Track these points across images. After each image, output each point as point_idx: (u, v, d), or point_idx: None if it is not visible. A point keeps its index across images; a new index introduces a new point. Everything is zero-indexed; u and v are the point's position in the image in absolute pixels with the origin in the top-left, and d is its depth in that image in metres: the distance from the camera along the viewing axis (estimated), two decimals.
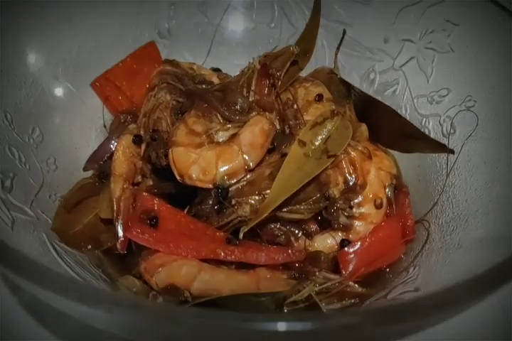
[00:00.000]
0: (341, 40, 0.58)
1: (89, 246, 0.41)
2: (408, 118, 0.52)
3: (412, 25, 0.52)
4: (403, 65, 0.53)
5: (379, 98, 0.57)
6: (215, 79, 0.57)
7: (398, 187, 0.46)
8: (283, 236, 0.41)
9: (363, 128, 0.47)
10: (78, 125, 0.54)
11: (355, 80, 0.59)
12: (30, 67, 0.52)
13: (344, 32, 0.58)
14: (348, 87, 0.51)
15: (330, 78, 0.53)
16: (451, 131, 0.45)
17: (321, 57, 0.60)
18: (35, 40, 0.53)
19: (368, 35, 0.57)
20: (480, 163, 0.41)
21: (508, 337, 0.50)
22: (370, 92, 0.57)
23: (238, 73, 0.50)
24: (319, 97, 0.48)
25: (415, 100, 0.51)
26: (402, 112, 0.52)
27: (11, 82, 0.49)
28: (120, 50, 0.60)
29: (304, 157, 0.41)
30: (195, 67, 0.60)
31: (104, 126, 0.54)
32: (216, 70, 0.60)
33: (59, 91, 0.54)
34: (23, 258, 0.30)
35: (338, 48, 0.58)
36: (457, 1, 0.49)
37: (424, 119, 0.49)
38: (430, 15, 0.51)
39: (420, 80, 0.51)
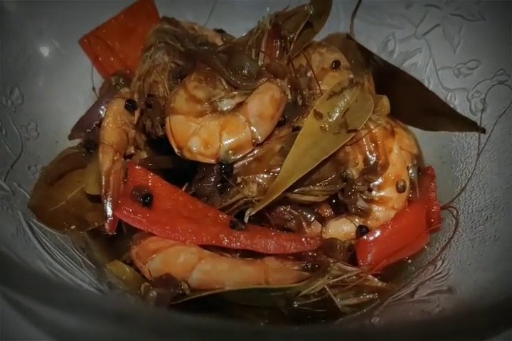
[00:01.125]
0: (358, 4, 0.47)
1: (73, 226, 0.33)
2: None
3: None
4: (427, 32, 0.44)
5: (401, 66, 0.48)
6: (219, 41, 0.47)
7: (422, 169, 0.38)
8: (294, 221, 0.33)
9: (385, 101, 0.38)
10: (64, 87, 0.44)
11: (372, 48, 0.49)
12: (11, 19, 0.41)
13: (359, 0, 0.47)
14: (367, 54, 0.41)
15: (346, 44, 0.43)
16: (482, 107, 0.36)
17: (335, 24, 0.50)
18: None
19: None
20: None
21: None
22: (390, 62, 0.48)
23: (249, 30, 0.40)
24: (336, 64, 0.38)
25: (439, 72, 0.42)
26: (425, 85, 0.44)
27: None
28: (114, 4, 0.48)
29: (321, 131, 0.33)
30: (196, 27, 0.49)
31: (93, 89, 0.44)
32: (220, 31, 0.49)
33: (43, 49, 0.44)
34: None
35: (354, 12, 0.48)
36: None
37: (450, 94, 0.41)
38: None
39: (446, 50, 0.42)
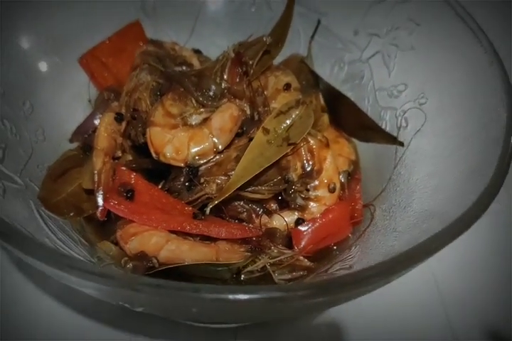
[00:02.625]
0: (315, 30, 0.54)
1: (72, 213, 0.40)
2: (370, 109, 0.50)
3: (380, 20, 0.49)
4: (369, 57, 0.50)
5: (347, 86, 0.54)
6: (195, 61, 0.53)
7: (352, 173, 0.45)
8: (245, 213, 0.40)
9: (325, 118, 0.46)
10: (66, 98, 0.51)
11: (326, 68, 0.56)
12: (21, 43, 0.48)
13: (319, 22, 0.54)
14: (316, 77, 0.47)
15: (301, 67, 0.50)
16: (404, 124, 0.43)
17: (297, 43, 0.56)
18: (25, 17, 0.48)
19: (340, 26, 0.52)
20: (423, 157, 0.40)
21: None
22: (339, 80, 0.54)
23: (217, 57, 0.46)
24: (287, 86, 0.45)
25: (377, 92, 0.49)
26: (365, 102, 0.50)
27: (3, 57, 0.45)
28: (107, 26, 0.55)
29: (267, 143, 0.40)
30: (177, 47, 0.55)
31: (89, 101, 0.51)
32: (197, 52, 0.56)
33: (48, 66, 0.50)
34: (12, 228, 0.28)
35: (312, 37, 0.54)
36: (421, 2, 0.45)
37: (383, 111, 0.47)
38: (396, 12, 0.47)
39: (383, 74, 0.48)
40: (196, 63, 0.53)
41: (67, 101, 0.51)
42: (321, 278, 0.34)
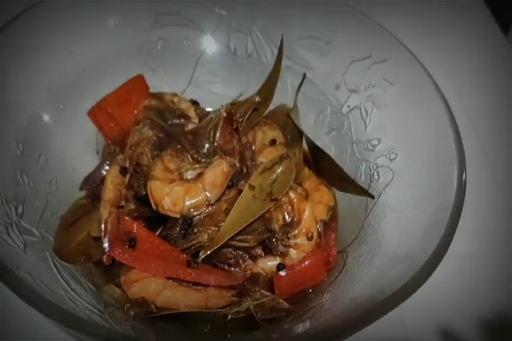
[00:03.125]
0: (301, 82, 0.58)
1: (82, 260, 0.45)
2: (348, 159, 0.54)
3: (358, 77, 0.53)
4: (349, 111, 0.54)
5: (330, 135, 0.59)
6: (192, 113, 0.58)
7: (329, 221, 0.49)
8: (233, 259, 0.45)
9: (305, 171, 0.50)
10: (76, 148, 0.56)
11: (311, 117, 0.60)
12: (33, 99, 0.51)
13: (304, 76, 0.58)
14: (300, 132, 0.52)
15: (286, 121, 0.54)
16: (376, 177, 0.47)
17: (285, 92, 0.60)
18: (34, 73, 0.52)
19: (323, 80, 0.57)
20: (390, 210, 0.44)
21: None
22: (323, 130, 0.59)
23: (210, 115, 0.51)
24: (273, 142, 0.50)
25: (354, 144, 0.53)
26: (345, 153, 0.54)
27: (19, 113, 0.50)
28: (114, 79, 0.59)
29: (252, 198, 0.45)
30: (176, 99, 0.60)
31: (98, 153, 0.56)
32: (194, 103, 0.61)
33: (60, 119, 0.54)
34: (35, 292, 0.32)
35: (298, 89, 0.58)
36: (396, 63, 0.49)
37: (359, 163, 0.51)
38: (373, 72, 0.51)
39: (360, 128, 0.52)
40: (193, 115, 0.58)
41: (77, 151, 0.56)
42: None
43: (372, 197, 0.46)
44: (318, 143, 0.57)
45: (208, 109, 0.64)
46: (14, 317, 0.48)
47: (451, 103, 0.45)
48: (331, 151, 0.57)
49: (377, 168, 0.47)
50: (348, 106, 0.54)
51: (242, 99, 0.56)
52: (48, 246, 0.45)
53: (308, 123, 0.59)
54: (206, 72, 0.63)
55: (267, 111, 0.54)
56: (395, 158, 0.47)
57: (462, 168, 0.36)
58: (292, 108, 0.58)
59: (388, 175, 0.46)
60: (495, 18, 0.93)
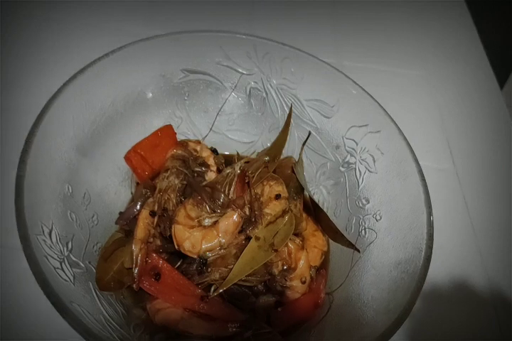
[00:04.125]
0: (306, 139, 0.66)
1: (116, 287, 0.54)
2: (341, 211, 0.62)
3: (355, 141, 0.60)
4: (346, 169, 0.61)
5: (328, 187, 0.66)
6: (211, 162, 0.66)
7: (320, 268, 0.57)
8: (239, 295, 0.53)
9: (304, 224, 0.58)
10: (113, 187, 0.64)
11: (313, 169, 0.68)
12: (78, 142, 0.57)
13: (309, 133, 0.65)
14: (301, 187, 0.59)
15: (291, 175, 0.61)
16: (363, 233, 0.54)
17: (293, 145, 0.68)
18: (82, 119, 0.57)
19: (326, 138, 0.64)
20: (370, 267, 0.51)
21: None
22: (322, 182, 0.67)
23: (226, 171, 0.59)
24: (278, 196, 0.58)
25: (348, 199, 0.60)
26: (340, 204, 0.62)
27: (67, 156, 0.54)
28: (148, 125, 0.68)
29: (257, 249, 0.53)
30: (198, 147, 0.68)
31: (132, 193, 0.65)
32: (214, 151, 0.69)
33: (100, 161, 0.61)
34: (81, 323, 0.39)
35: (303, 144, 0.66)
36: (388, 135, 0.56)
37: (351, 216, 0.59)
38: (368, 139, 0.58)
39: (354, 186, 0.59)
40: (212, 163, 0.66)
41: (114, 189, 0.64)
42: None
43: (358, 251, 0.54)
44: (318, 192, 0.65)
45: (225, 153, 0.73)
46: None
47: None
48: (329, 201, 0.65)
49: (365, 225, 0.55)
50: (345, 165, 0.62)
51: (254, 151, 0.65)
52: (90, 276, 0.52)
53: (311, 172, 0.67)
54: (225, 121, 0.71)
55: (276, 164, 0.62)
56: (380, 219, 0.54)
57: (430, 245, 0.43)
58: (297, 161, 0.65)
59: (373, 234, 0.54)
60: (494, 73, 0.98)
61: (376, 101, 0.56)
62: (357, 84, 0.57)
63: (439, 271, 0.66)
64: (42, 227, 0.45)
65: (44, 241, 0.44)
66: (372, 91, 0.58)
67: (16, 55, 0.87)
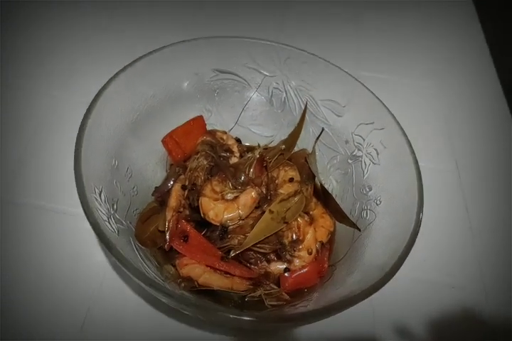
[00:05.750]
0: (319, 135, 0.74)
1: (152, 245, 0.63)
2: (348, 197, 0.69)
3: (362, 137, 0.68)
4: (353, 162, 0.69)
5: (336, 177, 0.74)
6: (235, 149, 0.75)
7: (327, 243, 0.65)
8: (253, 259, 0.62)
9: (312, 204, 0.66)
10: (151, 165, 0.73)
11: (324, 161, 0.75)
12: (125, 127, 0.67)
13: (322, 129, 0.74)
14: (313, 174, 0.68)
15: (303, 164, 0.70)
16: (364, 216, 0.62)
17: (307, 139, 0.77)
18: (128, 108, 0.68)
19: (337, 134, 0.72)
20: (369, 241, 0.59)
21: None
22: (332, 172, 0.75)
23: (247, 155, 0.69)
24: (291, 179, 0.66)
25: (354, 187, 0.68)
26: (345, 192, 0.70)
27: (116, 137, 0.64)
28: (182, 116, 0.77)
29: (271, 220, 0.61)
30: (224, 136, 0.78)
31: (166, 171, 0.75)
32: (238, 140, 0.78)
33: (141, 143, 0.70)
34: (126, 261, 0.47)
35: (317, 139, 0.75)
36: (390, 132, 0.64)
37: (355, 202, 0.66)
38: (374, 135, 0.66)
39: (359, 176, 0.67)
40: (236, 150, 0.75)
41: (152, 168, 0.73)
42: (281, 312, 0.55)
43: (359, 229, 0.62)
44: (328, 181, 0.73)
45: (247, 144, 0.82)
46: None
47: None
48: (337, 189, 0.73)
49: (367, 208, 0.63)
50: (353, 158, 0.69)
51: (273, 140, 0.74)
52: (130, 233, 0.58)
53: (322, 164, 0.75)
54: (249, 116, 0.80)
55: (291, 153, 0.71)
56: (380, 203, 0.62)
57: (418, 223, 0.51)
58: (311, 153, 0.74)
59: (372, 216, 0.62)
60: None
61: (381, 102, 0.64)
62: (365, 87, 0.66)
63: (437, 275, 0.72)
64: (94, 188, 0.54)
65: (96, 199, 0.53)
66: (379, 94, 0.67)
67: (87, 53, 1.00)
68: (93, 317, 0.61)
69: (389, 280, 0.47)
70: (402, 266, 0.48)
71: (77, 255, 0.69)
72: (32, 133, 0.88)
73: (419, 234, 0.51)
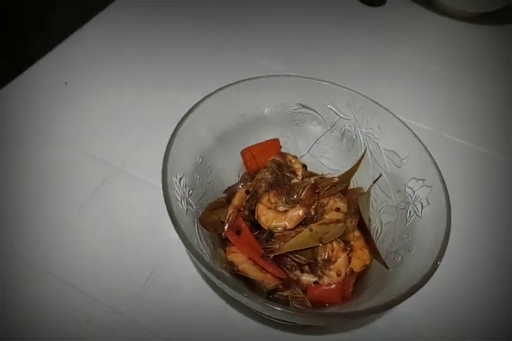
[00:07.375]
0: (377, 179, 0.82)
1: (212, 230, 0.76)
2: (387, 240, 0.76)
3: (412, 190, 0.74)
4: (400, 210, 0.75)
5: (382, 220, 0.81)
6: (299, 173, 0.87)
7: (360, 272, 0.72)
8: (289, 266, 0.71)
9: (351, 235, 0.75)
10: (228, 170, 0.87)
11: (376, 203, 0.82)
12: (211, 139, 0.83)
13: (380, 175, 0.82)
14: (360, 213, 0.77)
15: (354, 200, 0.79)
16: (396, 258, 0.68)
17: (366, 180, 0.86)
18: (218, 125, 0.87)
19: (392, 182, 0.79)
20: (389, 280, 0.65)
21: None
22: (380, 214, 0.81)
23: (303, 180, 0.81)
24: (338, 209, 0.76)
25: (395, 233, 0.74)
26: (387, 235, 0.76)
27: (204, 144, 0.75)
28: (261, 136, 0.91)
29: (309, 236, 0.70)
30: (293, 160, 0.90)
31: (239, 176, 0.89)
32: (304, 166, 0.90)
33: (223, 152, 0.83)
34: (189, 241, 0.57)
35: (373, 182, 0.83)
36: (437, 189, 0.70)
37: (392, 245, 0.72)
38: (422, 190, 0.72)
39: (402, 223, 0.73)
40: (299, 174, 0.87)
41: (229, 172, 0.87)
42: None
43: (388, 268, 0.68)
44: (377, 221, 0.80)
45: (312, 171, 0.93)
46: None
47: None
48: (381, 229, 0.79)
49: (400, 253, 0.69)
50: (401, 206, 0.75)
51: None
52: (197, 216, 0.66)
53: (374, 205, 0.82)
54: (320, 148, 0.91)
55: (346, 187, 0.81)
56: (412, 251, 0.68)
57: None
58: (365, 193, 0.83)
59: (401, 260, 0.67)
60: None
61: (434, 162, 0.71)
62: (423, 145, 0.73)
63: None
64: (176, 174, 0.60)
65: (175, 182, 0.60)
66: (435, 154, 0.74)
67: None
68: (152, 285, 0.69)
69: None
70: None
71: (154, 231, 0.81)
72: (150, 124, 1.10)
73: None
